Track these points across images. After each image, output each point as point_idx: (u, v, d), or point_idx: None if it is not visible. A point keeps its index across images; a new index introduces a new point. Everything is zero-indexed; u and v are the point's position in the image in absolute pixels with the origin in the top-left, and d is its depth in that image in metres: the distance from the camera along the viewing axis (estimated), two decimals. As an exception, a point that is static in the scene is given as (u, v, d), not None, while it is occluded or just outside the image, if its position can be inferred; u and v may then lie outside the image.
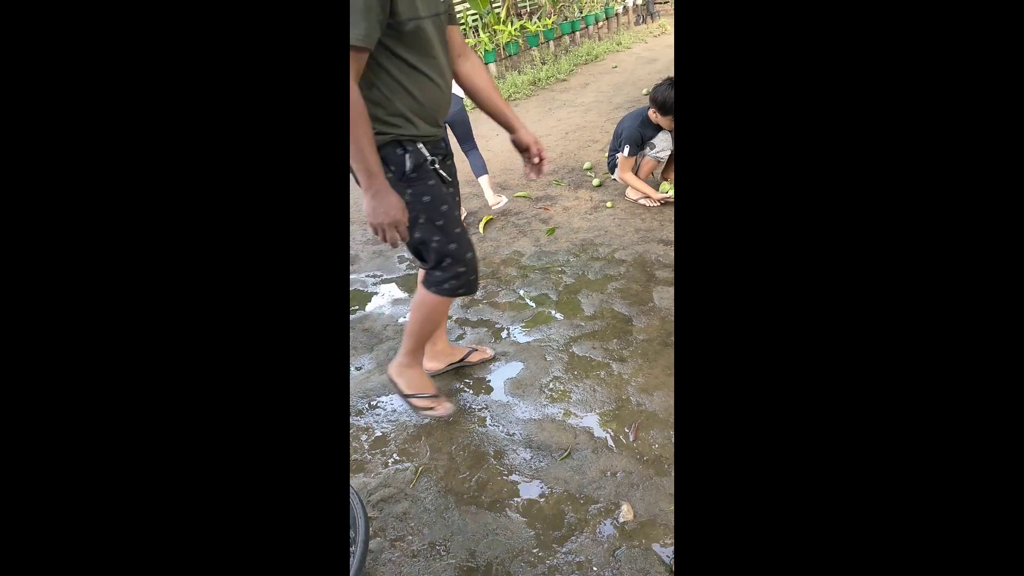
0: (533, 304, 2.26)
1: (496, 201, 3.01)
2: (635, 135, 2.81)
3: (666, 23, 9.25)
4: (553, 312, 2.19)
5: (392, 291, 2.53)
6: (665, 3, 10.44)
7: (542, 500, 1.42)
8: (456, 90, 3.02)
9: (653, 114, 2.77)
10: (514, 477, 1.50)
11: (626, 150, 2.84)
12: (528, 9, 8.76)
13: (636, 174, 2.93)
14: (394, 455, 1.62)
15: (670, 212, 2.86)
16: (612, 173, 3.11)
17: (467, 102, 2.97)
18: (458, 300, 2.33)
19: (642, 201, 2.97)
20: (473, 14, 7.77)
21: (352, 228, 3.19)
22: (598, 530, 1.32)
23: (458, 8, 7.86)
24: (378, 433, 1.71)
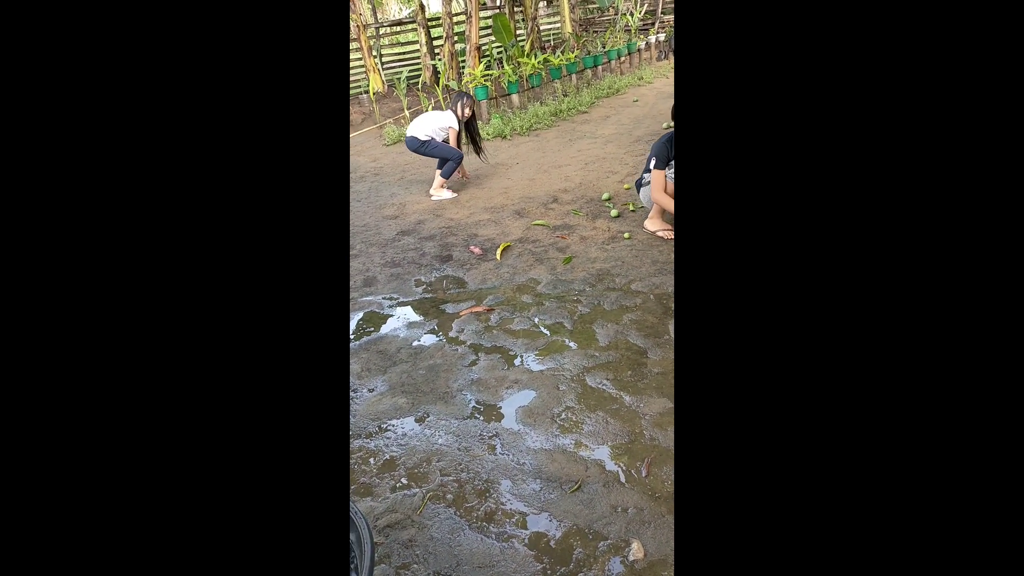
0: (547, 332, 2.25)
1: (438, 195, 3.92)
2: (663, 151, 2.83)
3: (688, 60, 9.33)
4: (567, 341, 2.17)
5: (408, 314, 2.54)
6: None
7: (550, 533, 1.39)
8: (421, 132, 3.83)
9: None
10: (523, 508, 1.47)
11: (652, 163, 2.86)
12: (552, 43, 8.95)
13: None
14: (402, 479, 1.61)
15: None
16: (639, 192, 3.10)
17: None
18: (471, 326, 2.33)
19: (660, 233, 2.97)
20: (498, 46, 7.97)
21: (371, 250, 3.23)
22: (607, 568, 1.29)
23: (483, 40, 8.07)
24: (387, 456, 1.70)
